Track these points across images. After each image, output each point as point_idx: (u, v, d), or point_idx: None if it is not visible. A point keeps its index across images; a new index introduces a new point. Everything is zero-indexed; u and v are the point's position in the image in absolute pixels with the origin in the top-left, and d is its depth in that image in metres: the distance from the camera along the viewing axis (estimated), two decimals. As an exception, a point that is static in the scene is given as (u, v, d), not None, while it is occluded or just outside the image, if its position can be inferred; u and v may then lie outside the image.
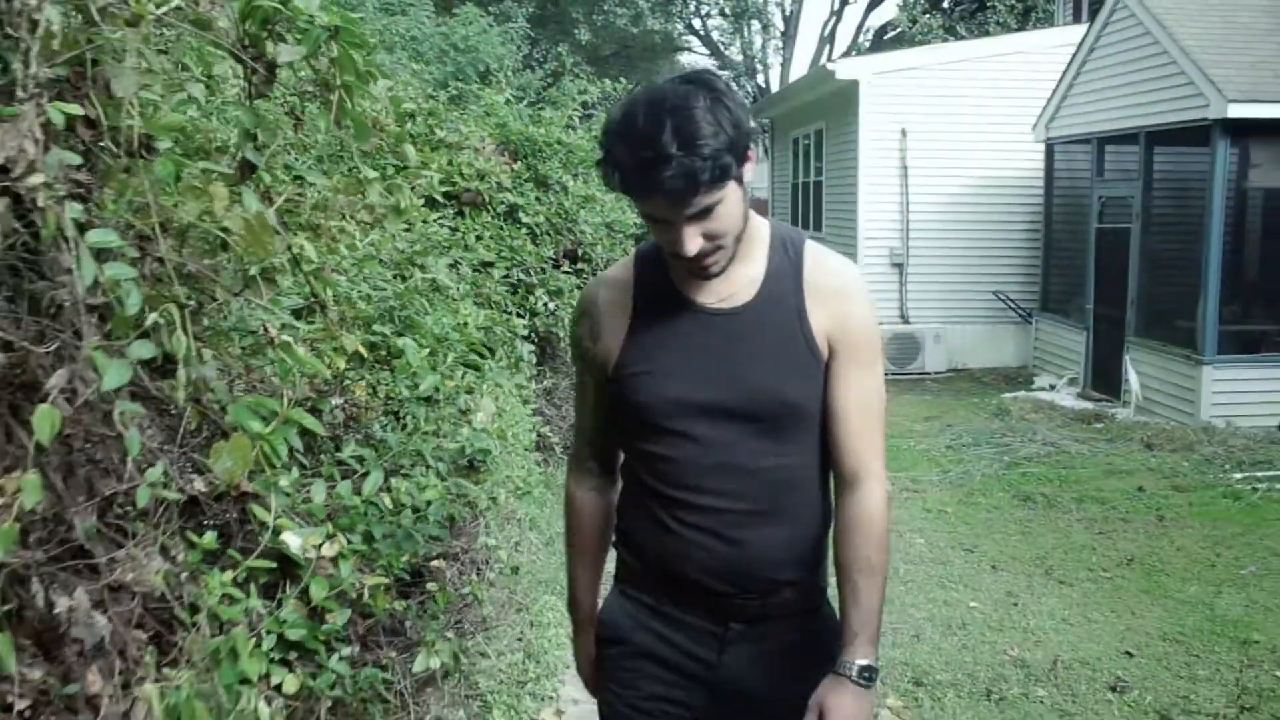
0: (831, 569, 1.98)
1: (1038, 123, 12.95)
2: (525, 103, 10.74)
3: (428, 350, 2.87)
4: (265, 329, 2.03)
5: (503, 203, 6.84)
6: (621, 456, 2.09)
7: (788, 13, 32.27)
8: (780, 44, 32.66)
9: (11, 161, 1.44)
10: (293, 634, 2.03)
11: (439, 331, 3.02)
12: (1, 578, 1.53)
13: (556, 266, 7.18)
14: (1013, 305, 13.97)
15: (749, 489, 1.90)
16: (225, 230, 1.93)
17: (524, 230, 6.82)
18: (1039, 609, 5.36)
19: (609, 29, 27.78)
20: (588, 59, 25.92)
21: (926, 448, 9.17)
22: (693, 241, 1.76)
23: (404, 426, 2.77)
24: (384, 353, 2.88)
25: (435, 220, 5.04)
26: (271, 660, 1.95)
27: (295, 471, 2.19)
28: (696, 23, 32.45)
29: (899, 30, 26.50)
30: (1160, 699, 4.37)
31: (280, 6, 2.04)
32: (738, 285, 1.91)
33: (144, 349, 1.55)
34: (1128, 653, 4.83)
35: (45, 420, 1.48)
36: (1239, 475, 8.04)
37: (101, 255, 1.73)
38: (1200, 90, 9.63)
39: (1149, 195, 10.95)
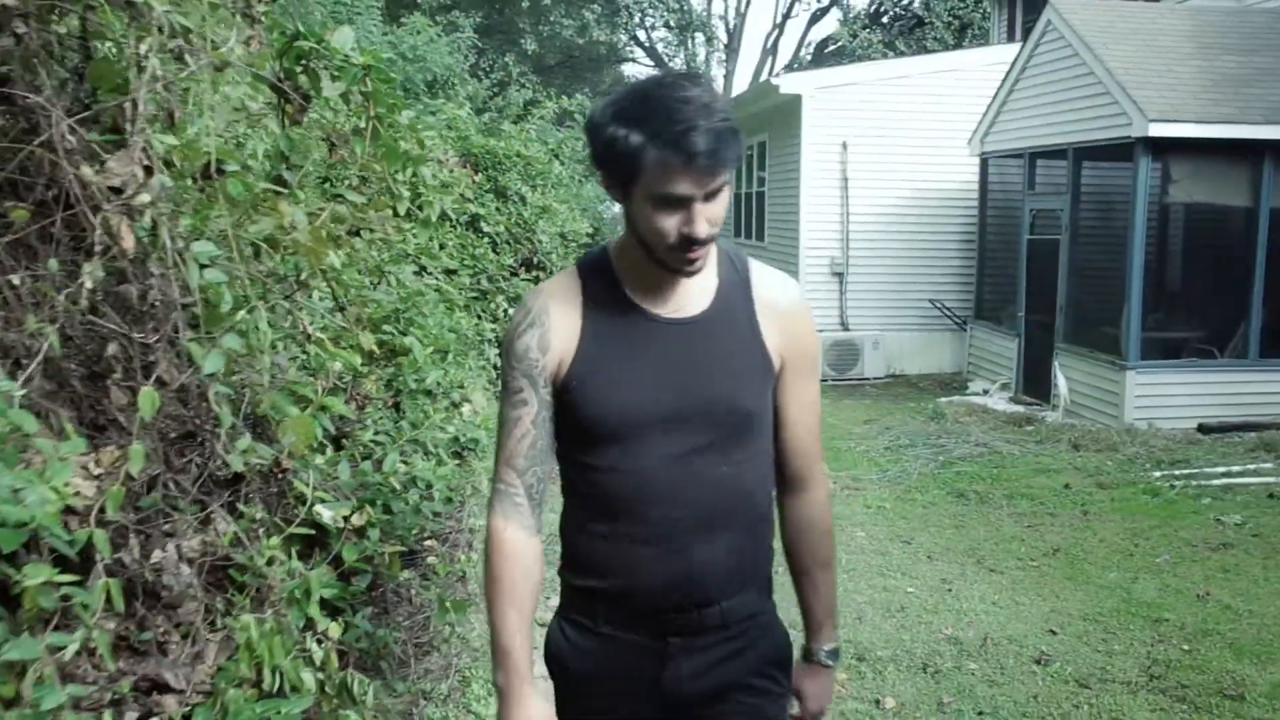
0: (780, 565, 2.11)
1: (973, 137, 13.46)
2: (487, 116, 11.02)
3: (430, 349, 3.20)
4: (304, 327, 2.33)
5: (465, 213, 7.14)
6: (547, 479, 1.97)
7: (731, 26, 32.83)
8: (724, 56, 33.20)
9: (125, 184, 1.75)
10: (327, 593, 2.33)
11: (437, 332, 3.35)
12: (109, 533, 1.82)
13: (514, 274, 7.51)
14: (948, 313, 14.48)
15: (701, 499, 1.90)
16: (270, 241, 2.24)
17: (485, 239, 7.12)
18: (971, 594, 5.77)
19: (555, 39, 28.12)
20: (534, 68, 26.24)
21: (866, 449, 9.60)
22: (703, 223, 1.76)
23: (403, 417, 3.08)
24: (389, 351, 3.19)
25: (409, 230, 5.33)
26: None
27: (329, 451, 2.50)
28: (641, 34, 32.88)
29: (840, 44, 27.13)
30: (1079, 670, 4.78)
31: (317, 46, 2.36)
32: (690, 296, 1.92)
33: (233, 341, 1.85)
34: (1051, 631, 5.25)
35: (148, 400, 1.78)
36: (1158, 473, 8.53)
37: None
38: (1124, 110, 10.15)
39: (1077, 208, 11.47)
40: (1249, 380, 10.45)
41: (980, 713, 4.32)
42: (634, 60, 34.06)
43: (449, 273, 6.33)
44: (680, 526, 1.90)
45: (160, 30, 1.89)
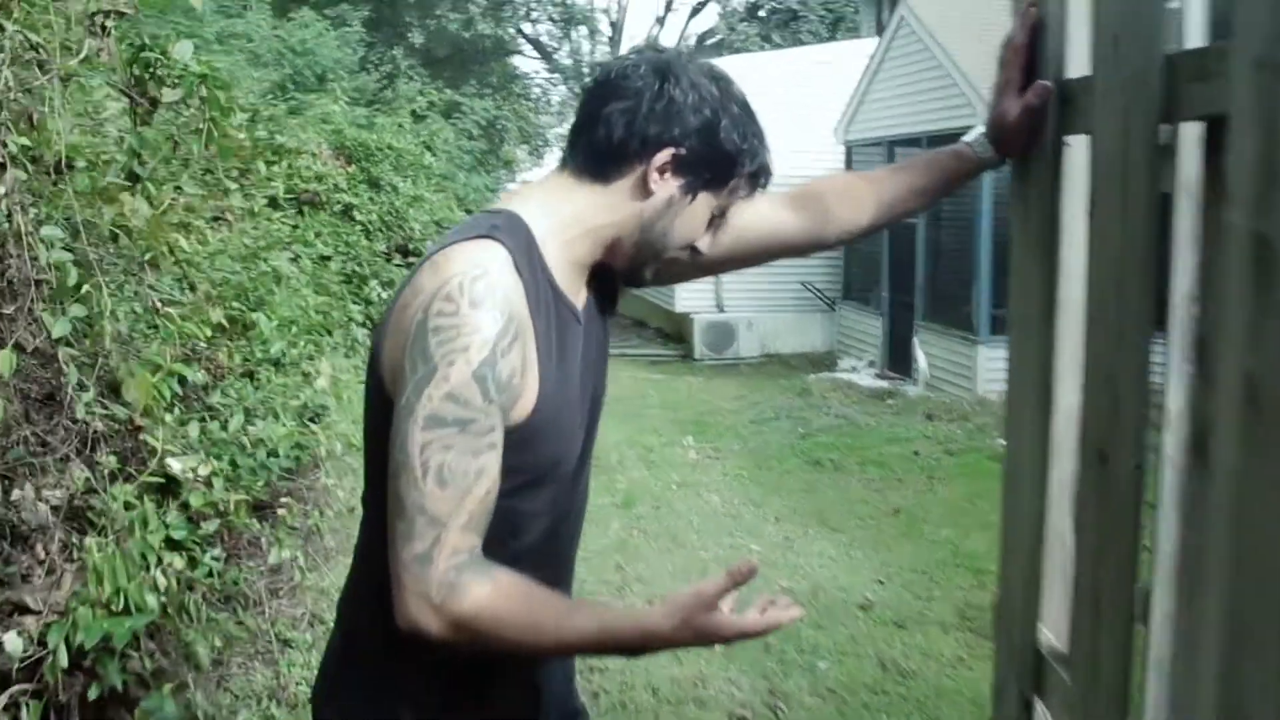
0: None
1: (838, 126, 14.07)
2: (365, 103, 11.25)
3: (276, 324, 3.53)
4: (153, 303, 2.65)
5: (339, 202, 7.42)
6: None
7: (614, 19, 33.24)
8: (607, 49, 33.58)
9: (-19, 179, 2.06)
10: (176, 534, 2.65)
11: (287, 311, 3.68)
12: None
13: (389, 260, 7.81)
14: (819, 294, 15.11)
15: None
16: (124, 228, 2.56)
17: (358, 227, 7.42)
18: (810, 550, 6.24)
19: (442, 33, 28.20)
20: (422, 61, 26.30)
21: (732, 423, 10.09)
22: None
23: (257, 385, 3.40)
24: (241, 326, 3.51)
25: (278, 219, 5.62)
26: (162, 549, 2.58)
27: (176, 411, 2.82)
28: (527, 27, 33.11)
29: (719, 38, 27.75)
30: (900, 613, 5.27)
31: (161, 56, 2.68)
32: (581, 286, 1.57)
33: (79, 309, 2.18)
34: (879, 581, 5.75)
35: (5, 361, 2.09)
36: (1004, 441, 9.16)
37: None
38: (969, 100, 10.79)
39: (932, 194, 12.10)
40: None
41: (801, 650, 4.78)
42: (521, 53, 34.29)
43: (324, 258, 6.61)
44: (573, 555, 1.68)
45: (14, 44, 2.19)
